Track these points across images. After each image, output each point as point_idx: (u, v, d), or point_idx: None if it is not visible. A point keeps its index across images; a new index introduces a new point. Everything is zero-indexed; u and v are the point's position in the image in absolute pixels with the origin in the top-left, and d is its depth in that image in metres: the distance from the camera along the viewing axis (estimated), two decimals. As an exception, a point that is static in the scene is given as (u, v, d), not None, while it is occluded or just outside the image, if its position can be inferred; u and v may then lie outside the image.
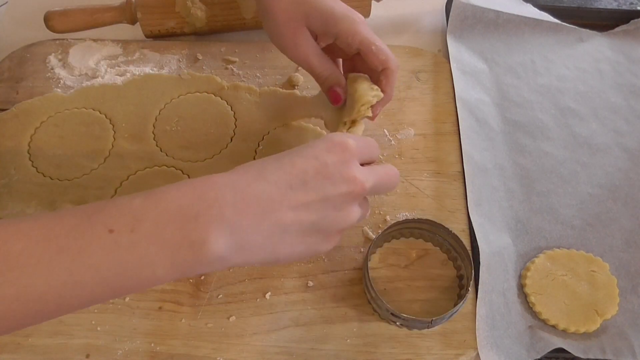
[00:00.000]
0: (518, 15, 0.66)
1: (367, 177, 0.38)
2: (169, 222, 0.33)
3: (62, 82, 0.61)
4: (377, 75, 0.47)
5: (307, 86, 0.61)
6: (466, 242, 0.51)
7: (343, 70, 0.52)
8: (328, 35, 0.47)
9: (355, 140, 0.39)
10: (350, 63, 0.51)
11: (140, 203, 0.33)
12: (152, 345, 0.46)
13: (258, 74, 0.62)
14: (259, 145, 0.56)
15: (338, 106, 0.49)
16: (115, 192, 0.53)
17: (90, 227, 0.32)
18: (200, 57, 0.62)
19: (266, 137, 0.56)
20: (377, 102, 0.47)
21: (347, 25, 0.46)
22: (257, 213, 0.35)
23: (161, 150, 0.56)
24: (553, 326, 0.48)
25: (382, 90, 0.47)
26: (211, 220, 0.33)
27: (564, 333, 0.48)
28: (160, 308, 0.48)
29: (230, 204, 0.34)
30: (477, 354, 0.46)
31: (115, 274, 0.32)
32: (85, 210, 0.33)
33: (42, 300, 0.32)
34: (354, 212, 0.39)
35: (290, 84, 0.61)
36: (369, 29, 0.46)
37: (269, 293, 0.49)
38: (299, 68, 0.62)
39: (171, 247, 0.33)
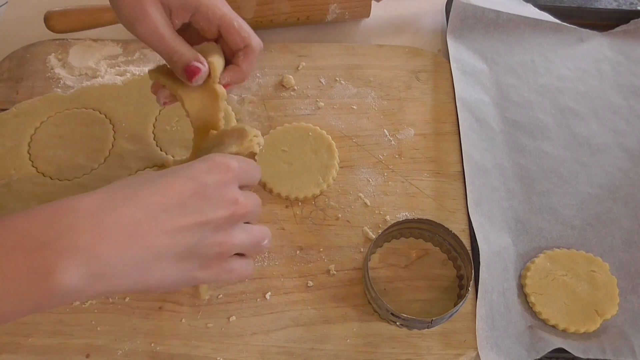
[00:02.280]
0: (518, 15, 0.66)
1: (247, 198, 0.37)
2: (15, 252, 0.30)
3: (62, 82, 0.61)
4: (237, 53, 0.44)
5: (298, 87, 0.61)
6: (466, 242, 0.51)
7: None
8: (186, 9, 0.42)
9: (238, 161, 0.37)
10: None
11: None
12: (152, 345, 0.46)
13: (258, 74, 0.62)
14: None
15: (197, 83, 0.43)
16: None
17: None
18: (200, 57, 0.62)
19: (266, 137, 0.56)
20: (229, 78, 0.44)
21: None
22: (121, 240, 0.32)
23: (161, 150, 0.56)
24: (553, 326, 0.48)
25: (239, 67, 0.44)
26: (61, 250, 0.30)
27: (564, 333, 0.48)
28: (160, 308, 0.48)
29: (88, 230, 0.31)
30: (477, 354, 0.46)
31: None
32: None
33: None
34: (235, 236, 0.36)
35: (282, 85, 0.61)
36: (229, 6, 0.43)
37: (269, 293, 0.49)
38: (298, 68, 0.62)
39: (15, 279, 0.30)
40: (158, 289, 0.35)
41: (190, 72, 0.42)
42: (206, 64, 0.42)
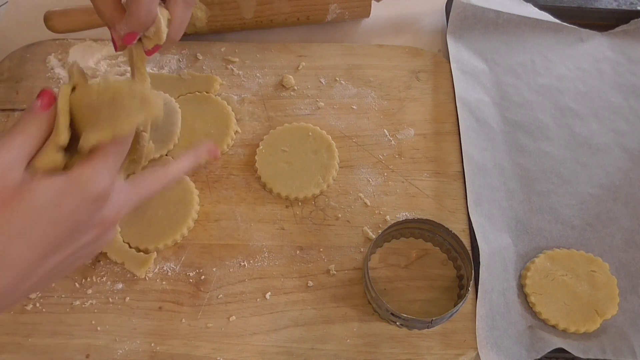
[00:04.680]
0: (518, 15, 0.66)
1: (122, 207, 0.37)
2: None
3: (62, 82, 0.60)
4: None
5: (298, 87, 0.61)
6: (466, 242, 0.51)
7: None
8: None
9: (111, 172, 0.35)
10: None
11: None
12: (152, 345, 0.46)
13: (258, 74, 0.62)
14: (259, 146, 0.56)
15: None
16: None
17: None
18: (200, 57, 0.62)
19: (266, 137, 0.56)
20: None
21: None
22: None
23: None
24: (553, 326, 0.48)
25: (172, 13, 0.43)
26: None
27: (564, 333, 0.48)
28: (160, 308, 0.48)
29: None
30: (477, 354, 0.46)
31: None
32: None
33: None
34: (108, 240, 0.38)
35: (282, 85, 0.61)
36: None
37: (269, 293, 0.49)
38: (298, 68, 0.62)
39: None
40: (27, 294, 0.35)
41: (129, 39, 0.42)
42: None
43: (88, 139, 0.35)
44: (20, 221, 0.31)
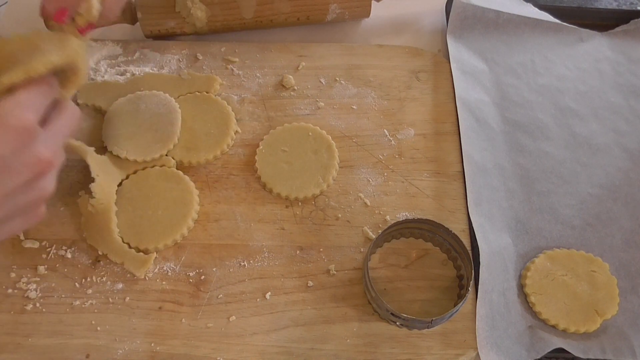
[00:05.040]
0: (518, 15, 0.66)
1: (52, 147, 0.36)
2: None
3: (62, 82, 0.61)
4: None
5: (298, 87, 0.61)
6: (466, 242, 0.51)
7: None
8: None
9: (34, 111, 0.35)
10: None
11: None
12: (152, 345, 0.46)
13: (258, 74, 0.62)
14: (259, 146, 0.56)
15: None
16: (116, 191, 0.53)
17: None
18: (200, 57, 0.62)
19: (266, 137, 0.56)
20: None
21: None
22: None
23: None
24: (553, 326, 0.48)
25: None
26: None
27: (564, 333, 0.48)
28: (160, 308, 0.48)
29: None
30: (477, 354, 0.46)
31: None
32: None
33: None
34: (47, 187, 0.37)
35: (282, 85, 0.61)
36: None
37: (269, 293, 0.49)
38: (298, 68, 0.62)
39: None
40: None
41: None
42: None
43: (1, 81, 0.35)
44: None
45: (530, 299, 0.49)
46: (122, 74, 0.61)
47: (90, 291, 0.49)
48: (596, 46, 0.67)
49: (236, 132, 0.58)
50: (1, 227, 0.36)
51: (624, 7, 0.72)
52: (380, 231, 0.49)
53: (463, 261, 0.49)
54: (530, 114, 0.61)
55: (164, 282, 0.49)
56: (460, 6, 0.64)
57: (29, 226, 0.39)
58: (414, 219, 0.50)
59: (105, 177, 0.52)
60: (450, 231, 0.48)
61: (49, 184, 0.38)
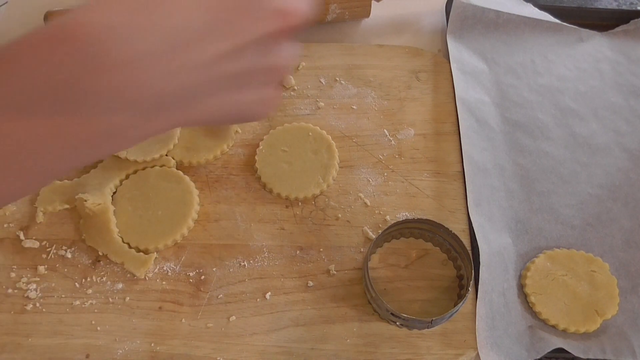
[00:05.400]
0: (518, 15, 0.66)
1: (297, 4, 0.31)
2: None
3: (62, 82, 0.60)
4: None
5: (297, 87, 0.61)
6: (466, 242, 0.51)
7: None
8: None
9: None
10: None
11: None
12: (152, 345, 0.46)
13: (258, 74, 0.62)
14: (259, 146, 0.56)
15: None
16: (116, 191, 0.53)
17: None
18: (200, 57, 0.62)
19: (266, 137, 0.56)
20: None
21: None
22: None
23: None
24: (553, 326, 0.48)
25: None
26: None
27: (564, 333, 0.48)
28: (160, 308, 0.48)
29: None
30: (477, 354, 0.46)
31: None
32: None
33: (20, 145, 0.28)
34: (286, 55, 0.33)
35: (282, 85, 0.61)
36: None
37: (269, 293, 0.49)
38: (298, 68, 0.62)
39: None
40: (217, 117, 0.33)
41: None
42: None
43: None
44: None
45: (530, 299, 0.49)
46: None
47: (90, 291, 0.49)
48: (596, 46, 0.67)
49: (236, 132, 0.58)
50: (237, 92, 0.32)
51: (624, 7, 0.72)
52: (380, 231, 0.49)
53: (463, 261, 0.49)
54: (530, 114, 0.61)
55: (164, 282, 0.49)
56: (460, 6, 0.65)
57: (260, 111, 0.34)
58: (414, 219, 0.50)
59: (96, 177, 0.52)
60: (450, 231, 0.48)
61: (289, 51, 0.33)
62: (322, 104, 0.60)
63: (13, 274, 0.49)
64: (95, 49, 0.26)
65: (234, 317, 0.48)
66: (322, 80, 0.62)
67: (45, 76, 0.27)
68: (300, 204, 0.54)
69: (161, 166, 0.54)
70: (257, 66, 0.31)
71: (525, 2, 0.68)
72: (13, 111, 0.27)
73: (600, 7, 0.72)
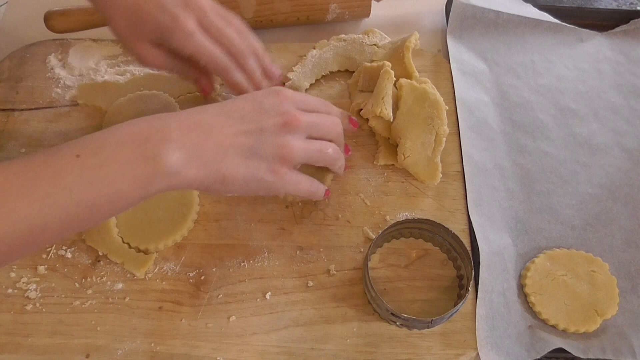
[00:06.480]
0: (518, 15, 0.66)
1: (302, 113, 0.45)
2: (125, 145, 0.39)
3: (62, 82, 0.61)
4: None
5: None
6: (466, 242, 0.51)
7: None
8: (167, 44, 0.49)
9: (295, 94, 0.47)
10: None
11: (100, 134, 0.40)
12: (152, 345, 0.46)
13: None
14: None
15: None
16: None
17: (60, 155, 0.38)
18: (200, 57, 0.62)
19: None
20: None
21: (179, 37, 0.48)
22: (200, 135, 0.41)
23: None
24: (553, 326, 0.48)
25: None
26: (161, 141, 0.39)
27: (564, 333, 0.48)
28: (160, 308, 0.48)
29: (175, 128, 0.40)
30: (477, 354, 0.46)
31: (86, 192, 0.37)
32: (52, 147, 0.39)
33: (26, 224, 0.36)
34: (292, 142, 0.44)
35: (282, 85, 0.61)
36: (202, 38, 0.48)
37: (269, 293, 0.49)
38: (293, 68, 0.62)
39: (130, 163, 0.38)
40: (234, 181, 0.43)
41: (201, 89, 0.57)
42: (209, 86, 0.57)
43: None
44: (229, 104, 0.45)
45: (530, 299, 0.49)
46: (122, 74, 0.61)
47: (90, 291, 0.49)
48: (596, 46, 0.67)
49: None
50: (251, 161, 0.43)
51: (624, 7, 0.72)
52: (380, 231, 0.49)
53: (463, 261, 0.49)
54: (530, 114, 0.61)
55: (164, 282, 0.49)
56: (460, 6, 0.65)
57: (265, 182, 0.44)
58: (414, 219, 0.50)
59: None
60: (450, 231, 0.48)
61: (295, 142, 0.45)
62: (322, 104, 0.60)
63: (13, 274, 0.49)
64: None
65: (233, 317, 0.48)
66: (322, 81, 0.62)
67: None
68: (300, 204, 0.54)
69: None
70: (266, 143, 0.44)
71: (525, 2, 0.68)
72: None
73: (600, 7, 0.72)
